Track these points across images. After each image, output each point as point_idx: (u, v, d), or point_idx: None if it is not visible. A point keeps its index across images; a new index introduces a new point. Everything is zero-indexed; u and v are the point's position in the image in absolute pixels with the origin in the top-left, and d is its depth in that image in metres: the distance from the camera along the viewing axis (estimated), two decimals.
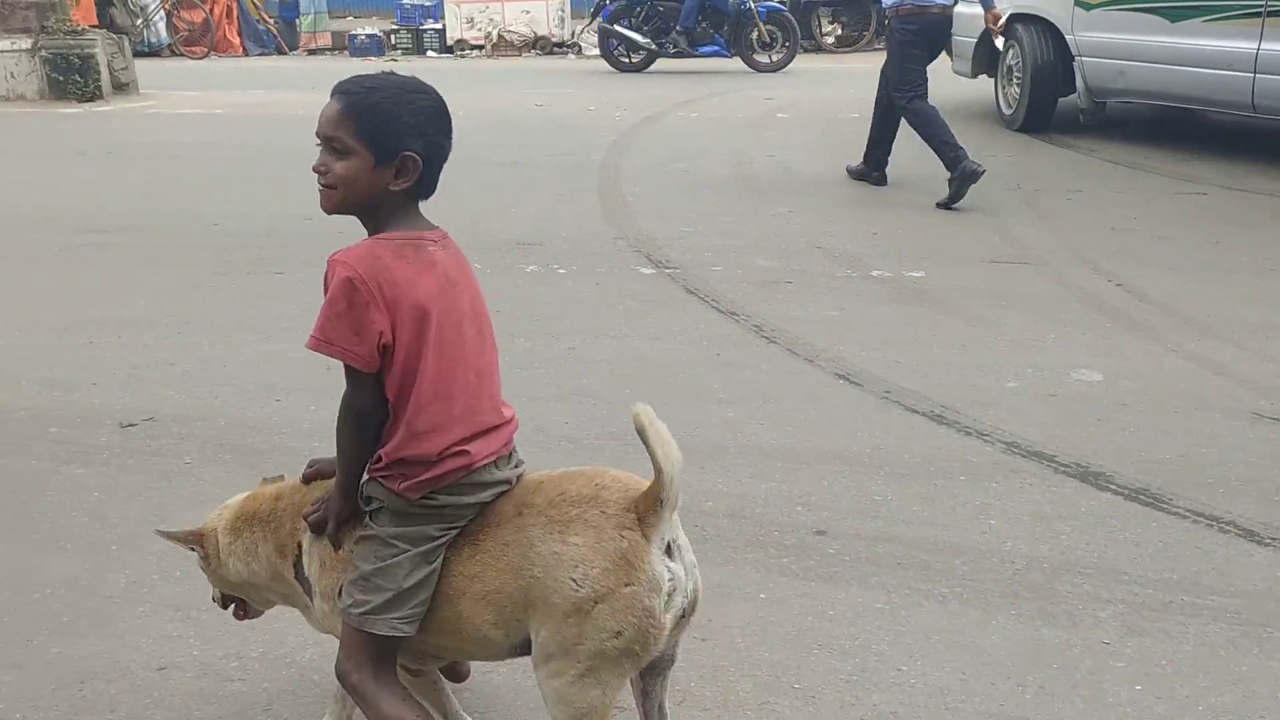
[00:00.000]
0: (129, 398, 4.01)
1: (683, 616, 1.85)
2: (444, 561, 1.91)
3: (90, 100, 11.33)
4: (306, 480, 2.13)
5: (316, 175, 1.88)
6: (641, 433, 1.77)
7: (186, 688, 2.45)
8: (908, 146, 6.97)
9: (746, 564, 2.89)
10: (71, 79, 11.30)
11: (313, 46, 20.05)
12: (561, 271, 5.47)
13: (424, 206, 1.96)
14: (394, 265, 1.84)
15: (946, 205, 6.44)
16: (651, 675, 1.98)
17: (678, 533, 1.85)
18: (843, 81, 12.33)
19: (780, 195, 7.11)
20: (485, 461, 1.92)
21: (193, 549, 2.20)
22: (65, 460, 3.54)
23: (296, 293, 5.20)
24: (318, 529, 2.00)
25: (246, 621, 2.38)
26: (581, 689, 1.81)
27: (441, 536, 1.90)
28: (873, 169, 7.15)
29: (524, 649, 1.90)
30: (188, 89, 12.79)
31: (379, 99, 1.84)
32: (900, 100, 6.67)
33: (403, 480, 1.88)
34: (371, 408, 1.89)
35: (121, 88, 11.92)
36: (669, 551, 1.82)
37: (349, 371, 1.87)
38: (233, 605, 2.31)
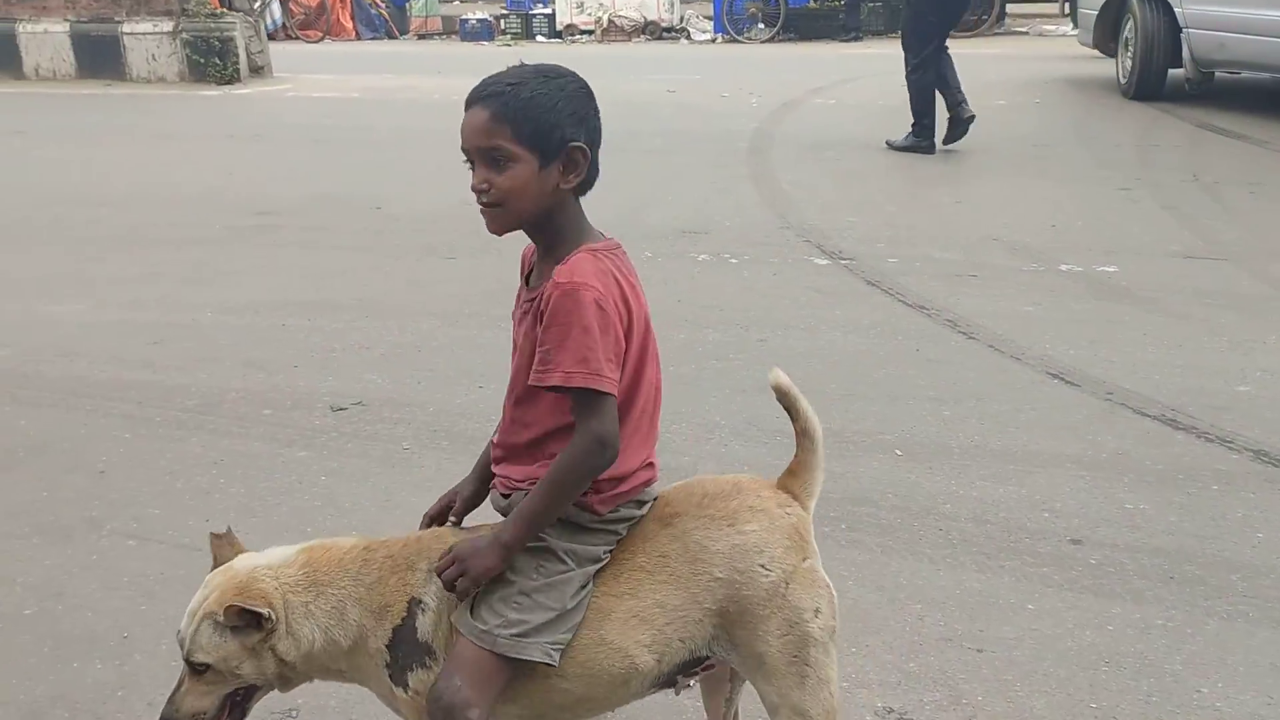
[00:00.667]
0: (333, 381, 4.04)
1: None
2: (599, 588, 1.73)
3: (228, 83, 11.57)
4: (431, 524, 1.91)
5: (476, 195, 1.66)
6: (784, 394, 1.77)
7: None
8: (1066, 133, 6.75)
9: (1004, 572, 2.77)
10: (211, 61, 11.55)
11: (423, 31, 20.27)
12: (734, 261, 5.38)
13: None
14: (619, 277, 1.69)
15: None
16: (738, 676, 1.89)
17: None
18: (975, 66, 12.01)
19: (940, 183, 6.94)
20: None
21: (267, 619, 1.69)
22: (285, 443, 3.57)
23: (472, 278, 5.23)
24: (463, 585, 1.66)
25: None
26: (812, 694, 1.70)
27: (606, 557, 1.74)
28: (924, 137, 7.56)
29: (668, 681, 1.76)
30: (316, 72, 12.99)
31: (530, 93, 1.63)
32: (906, 69, 7.34)
33: (595, 494, 1.71)
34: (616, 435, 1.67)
35: (257, 70, 12.15)
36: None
37: (599, 400, 1.62)
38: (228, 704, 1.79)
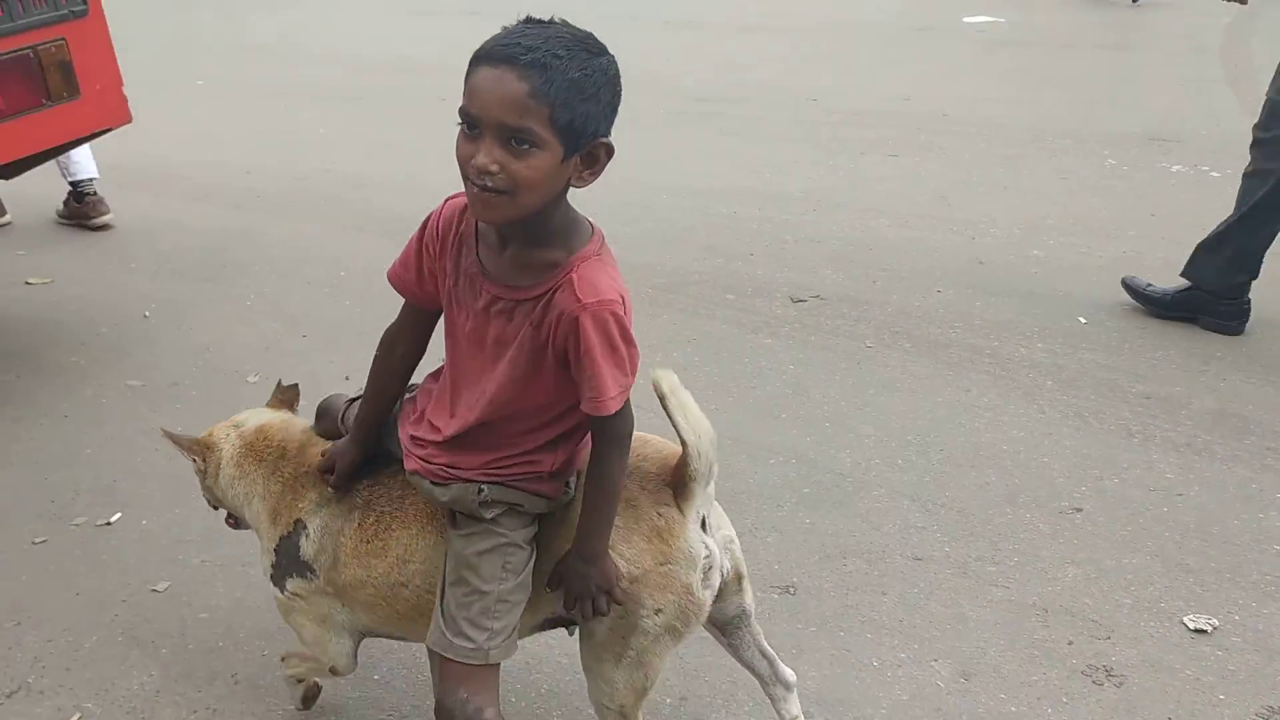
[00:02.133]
0: (788, 273, 4.12)
1: (725, 589, 1.77)
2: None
3: None
4: (324, 465, 1.84)
5: (476, 173, 1.40)
6: (662, 401, 1.61)
7: (949, 585, 2.46)
8: None
9: None
10: None
11: None
12: (1215, 175, 4.88)
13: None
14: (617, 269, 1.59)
15: None
16: (732, 632, 1.92)
17: (710, 507, 1.73)
18: None
19: None
20: None
21: (193, 460, 1.96)
22: (750, 329, 3.70)
23: (916, 177, 5.11)
24: (608, 602, 1.66)
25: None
26: (627, 672, 1.73)
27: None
28: None
29: (545, 625, 1.81)
30: None
31: (578, 72, 1.37)
32: None
33: (553, 482, 1.69)
34: None
35: None
36: (703, 526, 1.71)
37: (627, 406, 1.57)
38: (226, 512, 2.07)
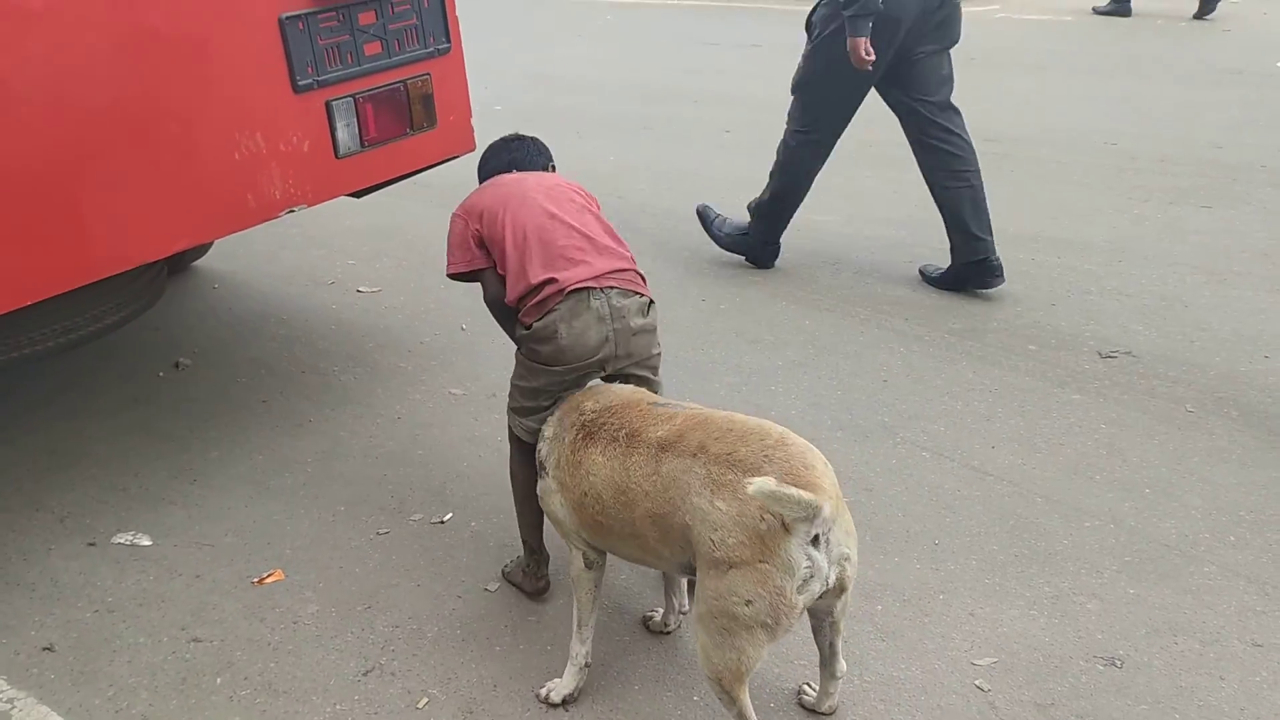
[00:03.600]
0: (1094, 326, 3.97)
1: (826, 594, 1.94)
2: (628, 471, 2.09)
3: None
4: None
5: None
6: (770, 506, 1.82)
7: None
8: None
9: None
10: None
11: None
12: None
13: None
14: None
15: None
16: (816, 620, 2.14)
17: (831, 528, 1.89)
18: None
19: None
20: None
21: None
22: (1056, 383, 3.59)
23: (1232, 231, 4.80)
24: None
25: None
26: (720, 649, 1.97)
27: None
28: None
29: (693, 571, 2.03)
30: None
31: None
32: None
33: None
34: None
35: None
36: (815, 541, 1.87)
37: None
38: None
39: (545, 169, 2.80)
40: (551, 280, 2.35)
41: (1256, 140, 6.15)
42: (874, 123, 4.59)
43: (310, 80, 3.04)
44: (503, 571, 2.72)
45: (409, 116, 3.36)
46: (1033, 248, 4.72)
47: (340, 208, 3.74)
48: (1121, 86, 7.70)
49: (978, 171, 4.21)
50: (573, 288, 2.34)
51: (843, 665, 2.22)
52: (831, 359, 3.83)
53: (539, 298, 2.36)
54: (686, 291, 4.39)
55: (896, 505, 2.97)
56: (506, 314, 2.51)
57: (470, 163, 3.06)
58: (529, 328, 2.37)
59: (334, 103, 3.12)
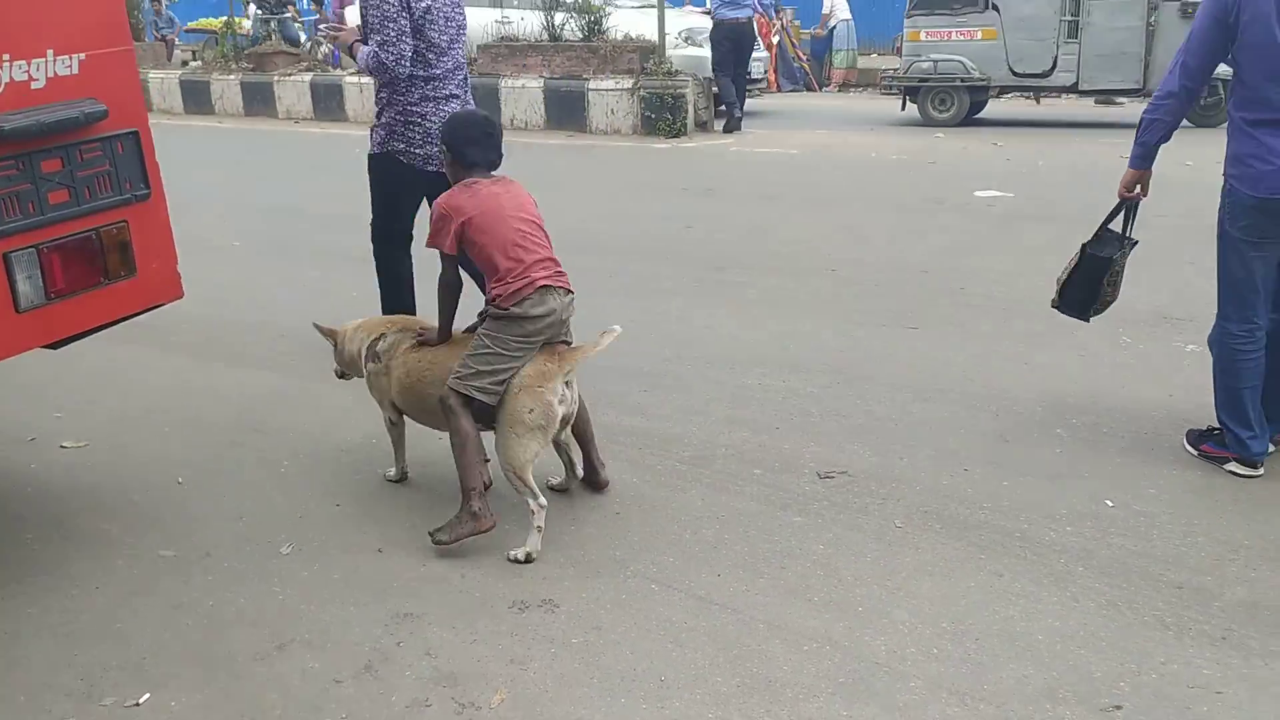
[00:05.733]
0: (815, 447, 4.17)
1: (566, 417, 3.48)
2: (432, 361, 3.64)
3: (676, 137, 12.34)
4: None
5: None
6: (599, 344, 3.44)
7: None
8: None
9: None
10: (663, 117, 12.39)
11: (843, 83, 20.43)
12: None
13: None
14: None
15: None
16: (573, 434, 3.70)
17: (574, 377, 3.46)
18: None
19: None
20: None
21: (329, 340, 3.94)
22: (779, 506, 3.72)
23: (937, 350, 5.19)
24: None
25: None
26: (511, 446, 3.33)
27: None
28: None
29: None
30: (752, 128, 13.49)
31: None
32: None
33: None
34: None
35: (701, 125, 12.88)
36: (568, 383, 3.43)
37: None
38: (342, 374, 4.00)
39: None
40: (527, 277, 3.36)
41: (957, 264, 6.75)
42: None
43: None
44: (440, 541, 3.34)
45: (104, 266, 3.19)
46: (758, 372, 4.95)
47: (50, 355, 3.48)
48: (840, 215, 8.32)
49: None
50: (540, 284, 3.37)
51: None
52: (565, 495, 3.83)
53: (515, 287, 3.34)
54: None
55: (625, 643, 2.96)
56: (453, 299, 3.57)
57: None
58: (505, 310, 3.34)
59: (13, 254, 2.93)
